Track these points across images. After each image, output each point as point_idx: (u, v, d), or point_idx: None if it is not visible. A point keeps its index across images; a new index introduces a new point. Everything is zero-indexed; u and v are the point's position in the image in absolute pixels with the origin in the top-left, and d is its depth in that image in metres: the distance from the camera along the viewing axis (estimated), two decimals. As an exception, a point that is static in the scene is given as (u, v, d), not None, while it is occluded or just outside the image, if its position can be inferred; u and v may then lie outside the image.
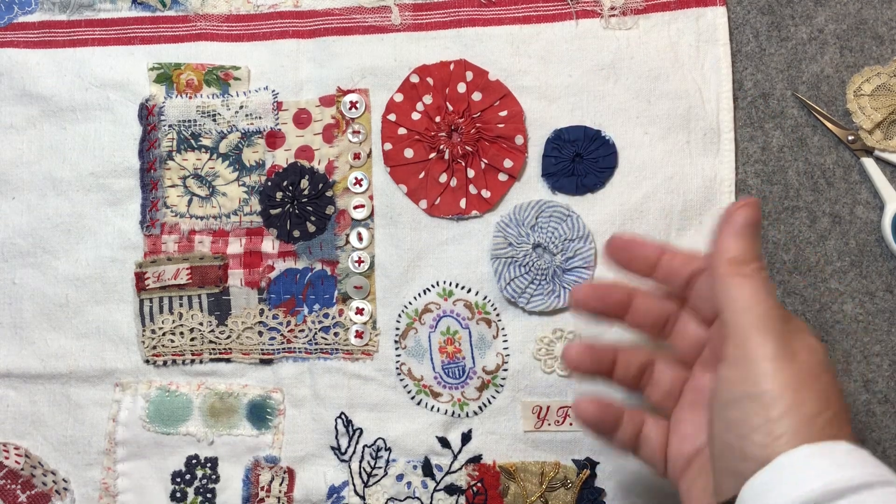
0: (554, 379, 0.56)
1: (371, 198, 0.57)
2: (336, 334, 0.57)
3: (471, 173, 0.56)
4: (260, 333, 0.58)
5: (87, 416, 0.58)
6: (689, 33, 0.56)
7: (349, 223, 0.57)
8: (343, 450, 0.57)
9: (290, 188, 0.57)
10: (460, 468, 0.56)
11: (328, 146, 0.58)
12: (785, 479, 0.33)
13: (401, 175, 0.57)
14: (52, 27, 0.60)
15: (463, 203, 0.56)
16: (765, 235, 0.56)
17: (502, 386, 0.56)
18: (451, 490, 0.56)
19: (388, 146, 0.57)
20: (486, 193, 0.56)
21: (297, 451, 0.57)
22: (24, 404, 0.59)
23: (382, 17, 0.58)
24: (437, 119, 0.56)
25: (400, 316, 0.57)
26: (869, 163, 0.56)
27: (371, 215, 0.57)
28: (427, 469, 0.56)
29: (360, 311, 0.57)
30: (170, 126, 0.58)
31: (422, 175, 0.57)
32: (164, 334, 0.58)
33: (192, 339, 0.58)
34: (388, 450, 0.57)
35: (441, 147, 0.56)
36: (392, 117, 0.57)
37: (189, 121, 0.58)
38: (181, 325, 0.58)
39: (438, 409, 0.57)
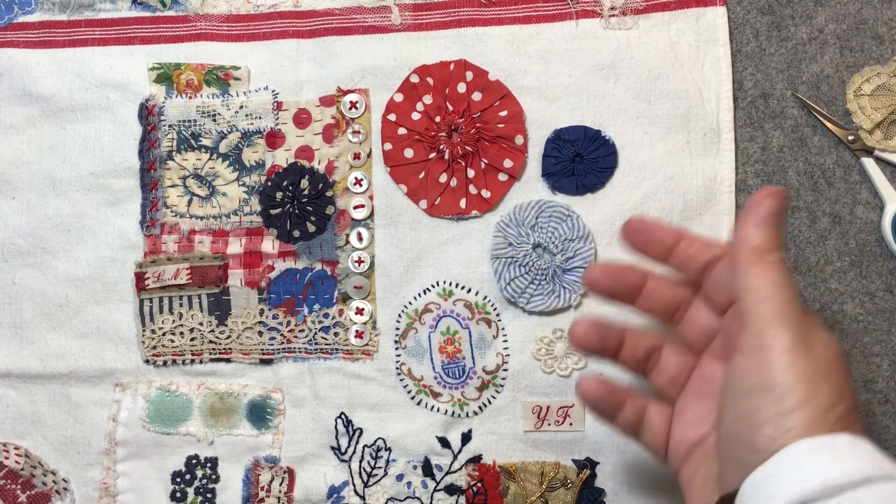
0: (554, 379, 0.56)
1: (371, 198, 0.57)
2: (336, 334, 0.57)
3: (471, 173, 0.56)
4: (260, 333, 0.58)
5: (87, 416, 0.58)
6: (689, 33, 0.56)
7: (349, 223, 0.57)
8: (343, 450, 0.57)
9: (290, 188, 0.57)
10: (460, 468, 0.56)
11: (328, 146, 0.58)
12: (784, 474, 0.33)
13: (401, 175, 0.57)
14: (52, 27, 0.60)
15: (463, 203, 0.56)
16: (765, 235, 0.56)
17: (502, 386, 0.56)
18: (451, 490, 0.56)
19: (388, 146, 0.57)
20: (486, 193, 0.56)
21: (297, 451, 0.57)
22: (24, 404, 0.59)
23: (382, 17, 0.58)
24: (437, 119, 0.56)
25: (400, 316, 0.57)
26: (869, 163, 0.56)
27: (371, 215, 0.57)
28: (427, 469, 0.56)
29: (360, 311, 0.57)
30: (170, 126, 0.58)
31: (422, 175, 0.57)
32: (164, 334, 0.58)
33: (192, 339, 0.58)
34: (388, 450, 0.57)
35: (441, 147, 0.56)
36: (392, 117, 0.57)
37: (189, 121, 0.58)
38: (181, 325, 0.58)
39: (438, 409, 0.57)
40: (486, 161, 0.56)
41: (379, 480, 0.57)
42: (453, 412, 0.56)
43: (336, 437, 0.57)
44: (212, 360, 0.58)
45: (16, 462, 0.57)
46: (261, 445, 0.57)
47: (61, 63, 0.59)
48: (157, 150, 0.58)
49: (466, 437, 0.56)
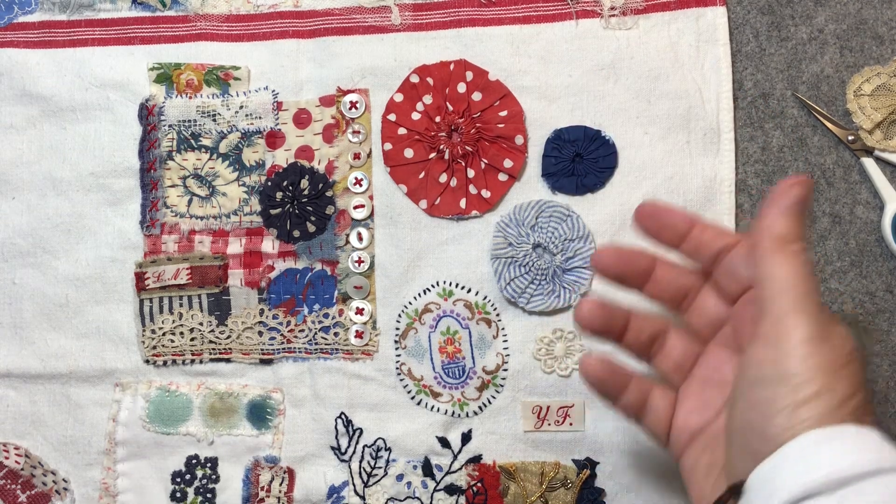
0: (554, 379, 0.56)
1: (371, 198, 0.57)
2: (336, 334, 0.57)
3: (471, 173, 0.56)
4: (260, 333, 0.58)
5: (87, 416, 0.58)
6: (689, 33, 0.56)
7: (349, 223, 0.57)
8: (343, 450, 0.57)
9: (290, 188, 0.57)
10: (460, 468, 0.56)
11: (328, 146, 0.58)
12: (789, 466, 0.33)
13: (401, 175, 0.57)
14: (52, 27, 0.60)
15: (463, 203, 0.56)
16: (765, 235, 0.56)
17: (502, 386, 0.56)
18: (451, 490, 0.56)
19: (388, 146, 0.57)
20: (486, 193, 0.56)
21: (297, 451, 0.57)
22: (24, 404, 0.59)
23: (382, 17, 0.58)
24: (437, 119, 0.56)
25: (400, 316, 0.57)
26: (869, 163, 0.56)
27: (371, 215, 0.57)
28: (427, 469, 0.56)
29: (360, 311, 0.57)
30: (170, 126, 0.58)
31: (422, 175, 0.57)
32: (164, 334, 0.58)
33: (192, 339, 0.58)
34: (388, 450, 0.57)
35: (441, 147, 0.56)
36: (392, 117, 0.57)
37: (189, 121, 0.58)
38: (181, 325, 0.58)
39: (438, 409, 0.57)
40: (486, 161, 0.56)
41: (379, 480, 0.57)
42: (453, 412, 0.56)
43: (336, 437, 0.57)
44: (212, 360, 0.58)
45: (16, 462, 0.57)
46: (261, 445, 0.57)
47: (61, 63, 0.59)
48: (157, 150, 0.58)
49: (466, 437, 0.56)
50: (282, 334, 0.57)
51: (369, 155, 0.58)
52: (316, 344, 0.57)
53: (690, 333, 0.43)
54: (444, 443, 0.56)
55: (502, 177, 0.56)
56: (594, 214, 0.56)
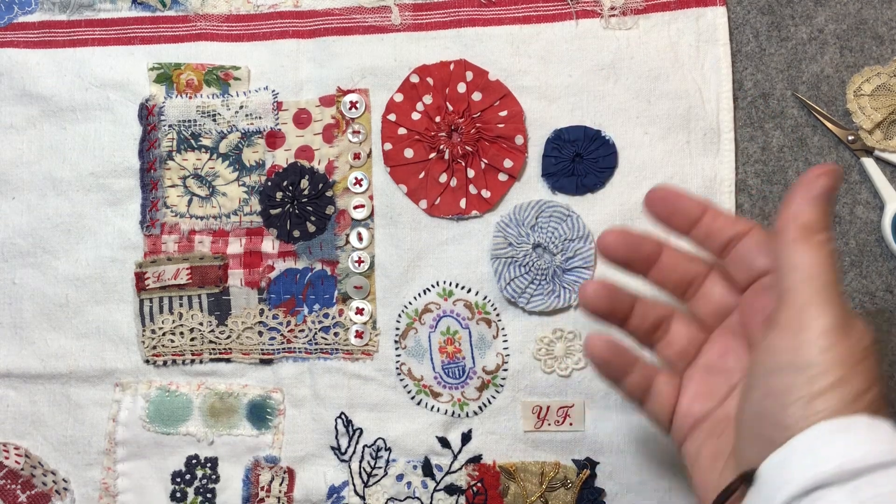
0: (554, 379, 0.56)
1: (371, 198, 0.57)
2: (336, 334, 0.57)
3: (471, 173, 0.56)
4: (260, 333, 0.58)
5: (87, 416, 0.58)
6: (689, 33, 0.56)
7: (349, 223, 0.57)
8: (343, 450, 0.57)
9: (290, 188, 0.57)
10: (460, 468, 0.56)
11: (328, 146, 0.58)
12: (802, 456, 0.32)
13: (401, 175, 0.57)
14: (52, 27, 0.60)
15: (463, 203, 0.56)
16: (765, 235, 0.56)
17: (502, 386, 0.56)
18: (451, 490, 0.56)
19: (388, 146, 0.57)
20: (486, 193, 0.56)
21: (297, 451, 0.57)
22: (24, 404, 0.59)
23: (382, 17, 0.58)
24: (437, 119, 0.56)
25: (400, 316, 0.57)
26: (869, 163, 0.56)
27: (371, 215, 0.57)
28: (427, 469, 0.56)
29: (360, 311, 0.57)
30: (170, 126, 0.58)
31: (422, 175, 0.57)
32: (164, 334, 0.58)
33: (192, 339, 0.58)
34: (388, 450, 0.57)
35: (441, 147, 0.56)
36: (392, 117, 0.57)
37: (189, 121, 0.58)
38: (181, 325, 0.58)
39: (438, 409, 0.57)
40: (486, 161, 0.56)
41: (379, 480, 0.57)
42: (453, 412, 0.56)
43: (336, 437, 0.57)
44: (212, 360, 0.58)
45: (16, 462, 0.57)
46: (261, 445, 0.57)
47: (61, 63, 0.59)
48: (157, 150, 0.58)
49: (466, 437, 0.56)
50: (282, 334, 0.57)
51: (369, 155, 0.58)
52: (316, 344, 0.57)
53: (695, 321, 0.43)
54: (444, 443, 0.56)
55: (502, 177, 0.56)
56: (594, 214, 0.56)
